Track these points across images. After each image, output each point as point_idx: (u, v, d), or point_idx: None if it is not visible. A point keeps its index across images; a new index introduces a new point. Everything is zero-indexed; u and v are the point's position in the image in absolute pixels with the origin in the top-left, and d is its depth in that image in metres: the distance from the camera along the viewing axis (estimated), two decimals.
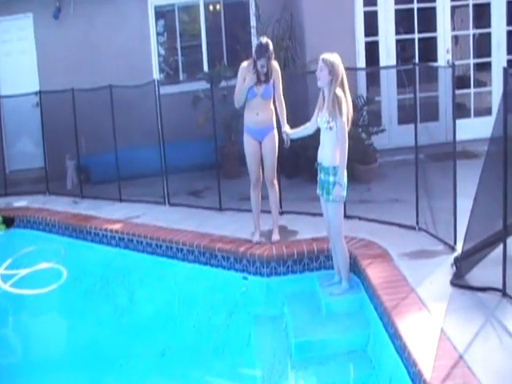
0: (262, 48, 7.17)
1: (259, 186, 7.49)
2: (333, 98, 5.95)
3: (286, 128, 7.03)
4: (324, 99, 6.12)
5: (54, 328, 7.99)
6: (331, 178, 6.04)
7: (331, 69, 5.99)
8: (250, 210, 7.72)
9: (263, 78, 7.22)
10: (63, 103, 10.36)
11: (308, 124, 6.54)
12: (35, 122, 11.20)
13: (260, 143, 7.37)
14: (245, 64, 7.37)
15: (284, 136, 7.01)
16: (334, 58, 6.07)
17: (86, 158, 11.03)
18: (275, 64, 7.35)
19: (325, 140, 6.13)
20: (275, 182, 7.49)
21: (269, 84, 7.27)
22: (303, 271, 7.06)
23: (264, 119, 7.30)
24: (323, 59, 6.06)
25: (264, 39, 7.31)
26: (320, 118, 6.15)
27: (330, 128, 6.01)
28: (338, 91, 5.97)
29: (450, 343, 4.73)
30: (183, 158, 10.03)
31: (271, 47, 7.21)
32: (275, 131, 7.36)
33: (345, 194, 6.11)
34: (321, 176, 6.18)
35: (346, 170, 6.06)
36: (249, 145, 7.40)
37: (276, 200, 7.58)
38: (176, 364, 6.63)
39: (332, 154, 6.04)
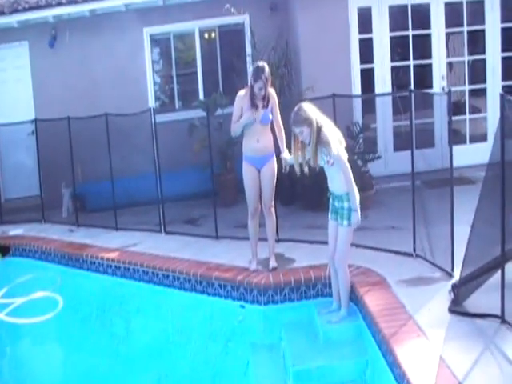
0: (259, 70, 7.16)
1: (258, 216, 7.44)
2: (316, 147, 5.97)
3: (285, 154, 7.00)
4: (308, 142, 6.10)
5: (50, 357, 7.97)
6: (345, 204, 6.06)
7: (308, 122, 5.98)
8: (246, 238, 7.66)
9: (260, 103, 7.19)
10: (59, 131, 10.36)
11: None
12: (31, 150, 11.22)
13: (259, 171, 7.34)
14: (242, 93, 7.32)
15: (283, 162, 6.98)
16: (301, 111, 6.05)
17: (82, 186, 11.03)
18: (272, 91, 7.34)
19: (330, 174, 6.16)
20: (273, 209, 7.46)
21: (267, 109, 7.24)
22: (301, 299, 7.01)
23: (263, 146, 7.23)
24: (295, 123, 6.05)
25: (260, 63, 7.31)
26: (318, 162, 6.12)
27: (332, 164, 6.04)
28: (320, 136, 5.94)
29: (449, 371, 4.69)
30: (179, 186, 10.01)
31: (268, 70, 7.20)
32: (274, 158, 7.33)
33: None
34: (334, 203, 6.21)
35: (358, 197, 6.06)
36: (248, 173, 7.31)
37: (273, 227, 7.56)
38: None
39: (341, 183, 6.06)
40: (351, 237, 6.23)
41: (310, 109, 6.08)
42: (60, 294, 8.55)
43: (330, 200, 6.26)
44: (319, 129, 5.96)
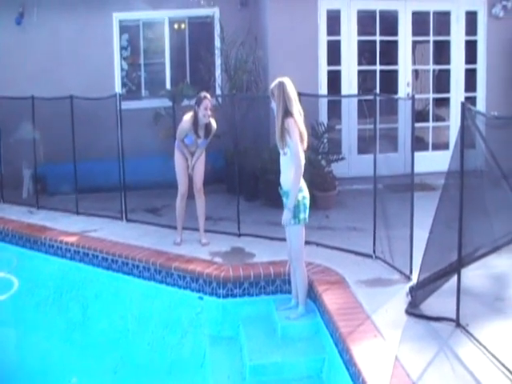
0: (204, 96, 7.79)
1: (185, 197, 8.23)
2: (281, 129, 5.98)
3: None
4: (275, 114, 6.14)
5: (2, 340, 7.87)
6: None
7: (273, 93, 6.04)
8: (208, 230, 7.84)
9: (202, 132, 7.89)
10: (22, 110, 10.21)
11: None
12: None
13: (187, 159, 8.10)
14: (187, 117, 7.90)
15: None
16: (277, 81, 6.08)
17: (44, 168, 10.85)
18: (213, 122, 7.92)
19: (283, 165, 6.18)
20: (202, 192, 8.21)
21: (206, 140, 8.01)
22: (259, 294, 7.05)
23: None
24: (270, 92, 6.13)
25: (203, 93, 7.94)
26: (278, 143, 6.14)
27: (285, 153, 6.06)
28: (286, 122, 5.94)
29: (403, 371, 4.80)
30: (142, 175, 9.98)
31: (210, 100, 7.85)
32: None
33: (305, 216, 6.13)
34: (283, 199, 6.23)
35: (306, 195, 6.12)
36: (179, 159, 8.09)
37: (203, 207, 8.24)
38: (128, 382, 6.60)
39: (290, 178, 6.07)
40: (302, 234, 6.26)
41: (284, 89, 6.00)
42: (16, 275, 8.50)
43: (282, 197, 6.27)
44: (285, 114, 5.95)
